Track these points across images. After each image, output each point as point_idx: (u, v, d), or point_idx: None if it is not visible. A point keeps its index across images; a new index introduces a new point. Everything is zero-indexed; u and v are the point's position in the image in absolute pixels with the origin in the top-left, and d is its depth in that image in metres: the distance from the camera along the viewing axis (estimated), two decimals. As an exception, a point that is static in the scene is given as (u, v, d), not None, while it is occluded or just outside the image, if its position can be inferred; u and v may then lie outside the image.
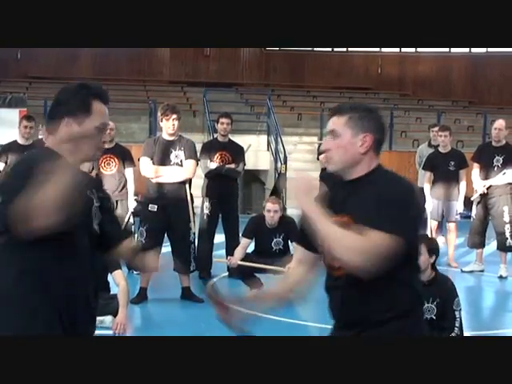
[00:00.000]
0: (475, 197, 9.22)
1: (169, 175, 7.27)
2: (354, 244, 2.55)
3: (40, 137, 9.30)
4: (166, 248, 7.50)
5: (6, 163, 8.55)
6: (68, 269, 2.65)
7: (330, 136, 2.80)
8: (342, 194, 2.81)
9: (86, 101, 2.74)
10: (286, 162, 14.79)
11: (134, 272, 7.90)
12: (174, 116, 7.23)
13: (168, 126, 7.27)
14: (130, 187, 8.36)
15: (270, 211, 7.47)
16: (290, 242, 7.59)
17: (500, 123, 9.14)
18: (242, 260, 7.47)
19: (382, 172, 2.81)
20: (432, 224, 9.76)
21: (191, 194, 7.49)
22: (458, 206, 9.53)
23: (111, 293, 6.30)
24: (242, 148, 9.00)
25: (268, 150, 16.67)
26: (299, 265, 3.04)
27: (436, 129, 10.69)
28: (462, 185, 9.49)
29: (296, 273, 3.04)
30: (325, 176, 6.62)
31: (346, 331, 2.77)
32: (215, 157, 8.67)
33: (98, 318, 5.88)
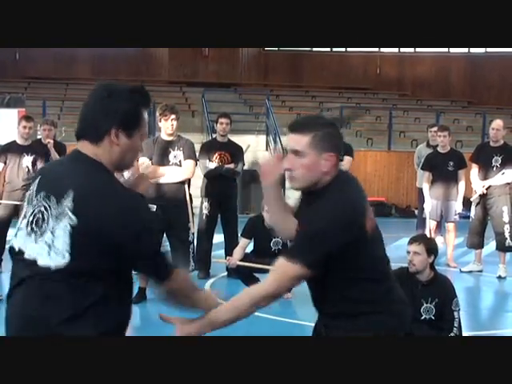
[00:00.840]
0: (474, 197, 9.22)
1: (168, 175, 7.27)
2: (251, 302, 2.79)
3: (38, 137, 9.30)
4: (165, 248, 7.49)
5: (4, 163, 8.55)
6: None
7: (293, 155, 2.82)
8: (301, 202, 2.99)
9: (137, 111, 2.56)
10: (284, 163, 14.76)
11: (133, 272, 7.88)
12: (173, 116, 7.23)
13: (167, 126, 7.26)
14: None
15: (269, 211, 7.47)
16: (288, 242, 7.58)
17: (498, 123, 9.13)
18: (241, 260, 7.47)
19: (330, 188, 2.81)
20: (431, 224, 9.77)
21: (190, 194, 7.48)
22: (457, 206, 9.54)
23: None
24: (241, 148, 9.00)
25: (267, 150, 16.67)
26: None
27: (434, 129, 10.71)
28: (461, 185, 9.50)
29: None
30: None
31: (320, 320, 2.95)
32: (214, 157, 8.67)
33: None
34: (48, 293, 2.46)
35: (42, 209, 2.50)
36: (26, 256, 2.51)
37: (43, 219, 2.48)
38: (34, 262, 2.48)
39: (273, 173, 3.01)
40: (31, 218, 2.53)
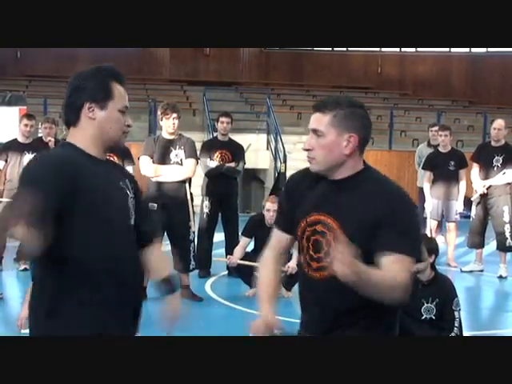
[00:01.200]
0: (475, 197, 9.22)
1: (169, 174, 7.27)
2: (394, 284, 2.51)
3: (39, 135, 9.31)
4: (166, 247, 7.50)
5: (5, 161, 8.56)
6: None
7: (313, 134, 2.68)
8: (323, 191, 2.73)
9: (105, 84, 2.65)
10: (285, 161, 14.79)
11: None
12: (174, 115, 7.23)
13: (168, 125, 7.26)
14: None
15: (270, 210, 7.47)
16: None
17: (499, 123, 9.14)
18: (242, 259, 7.47)
19: (371, 176, 2.72)
20: (432, 224, 9.77)
21: (191, 193, 7.49)
22: (458, 205, 9.54)
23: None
24: (241, 147, 9.01)
25: (268, 149, 16.67)
26: (273, 252, 2.99)
27: (435, 128, 10.74)
28: (462, 184, 9.50)
29: (271, 262, 3.02)
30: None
31: (317, 328, 2.77)
32: (215, 156, 8.67)
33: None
34: None
35: None
36: None
37: None
38: None
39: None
40: None
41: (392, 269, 2.51)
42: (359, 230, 2.57)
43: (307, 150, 2.70)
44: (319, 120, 2.67)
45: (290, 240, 2.90)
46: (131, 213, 2.71)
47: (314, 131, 2.68)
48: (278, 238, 2.94)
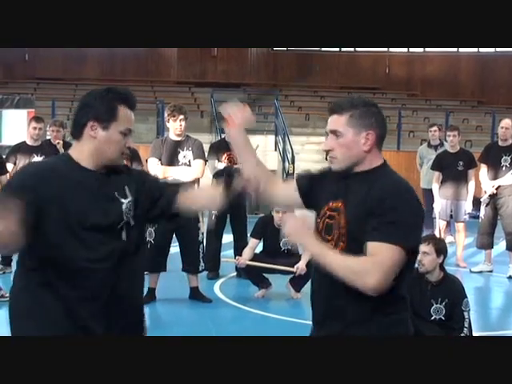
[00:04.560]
0: (485, 198, 9.19)
1: (177, 175, 7.27)
2: (362, 267, 2.58)
3: (48, 137, 9.32)
4: (175, 248, 7.50)
5: (14, 164, 8.58)
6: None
7: (332, 135, 2.80)
8: (339, 184, 2.82)
9: (112, 105, 2.74)
10: (293, 162, 14.79)
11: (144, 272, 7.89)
12: (181, 117, 7.23)
13: (175, 127, 7.26)
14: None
15: (279, 211, 7.46)
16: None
17: (506, 122, 9.13)
18: (251, 260, 7.46)
19: (385, 171, 2.82)
20: (440, 224, 9.76)
21: (199, 195, 7.47)
22: (467, 205, 9.53)
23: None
24: (249, 148, 8.98)
25: (276, 150, 16.66)
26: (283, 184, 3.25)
27: (434, 128, 11.06)
28: (471, 185, 9.50)
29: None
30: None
31: (324, 327, 2.81)
32: (223, 157, 8.66)
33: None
34: None
35: None
36: None
37: None
38: None
39: (239, 119, 3.11)
40: None
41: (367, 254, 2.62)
42: (356, 217, 2.68)
43: (328, 150, 2.82)
44: (337, 121, 2.79)
45: (292, 196, 3.06)
46: (123, 217, 2.79)
47: (333, 132, 2.80)
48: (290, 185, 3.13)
